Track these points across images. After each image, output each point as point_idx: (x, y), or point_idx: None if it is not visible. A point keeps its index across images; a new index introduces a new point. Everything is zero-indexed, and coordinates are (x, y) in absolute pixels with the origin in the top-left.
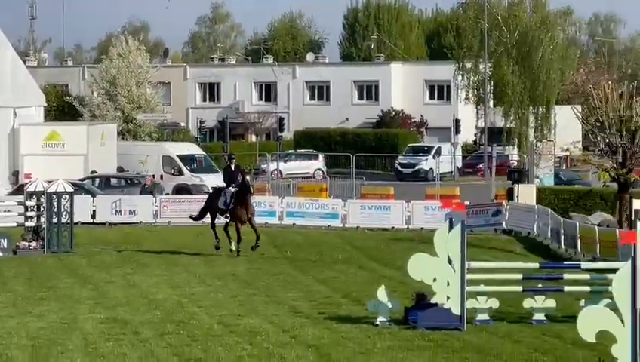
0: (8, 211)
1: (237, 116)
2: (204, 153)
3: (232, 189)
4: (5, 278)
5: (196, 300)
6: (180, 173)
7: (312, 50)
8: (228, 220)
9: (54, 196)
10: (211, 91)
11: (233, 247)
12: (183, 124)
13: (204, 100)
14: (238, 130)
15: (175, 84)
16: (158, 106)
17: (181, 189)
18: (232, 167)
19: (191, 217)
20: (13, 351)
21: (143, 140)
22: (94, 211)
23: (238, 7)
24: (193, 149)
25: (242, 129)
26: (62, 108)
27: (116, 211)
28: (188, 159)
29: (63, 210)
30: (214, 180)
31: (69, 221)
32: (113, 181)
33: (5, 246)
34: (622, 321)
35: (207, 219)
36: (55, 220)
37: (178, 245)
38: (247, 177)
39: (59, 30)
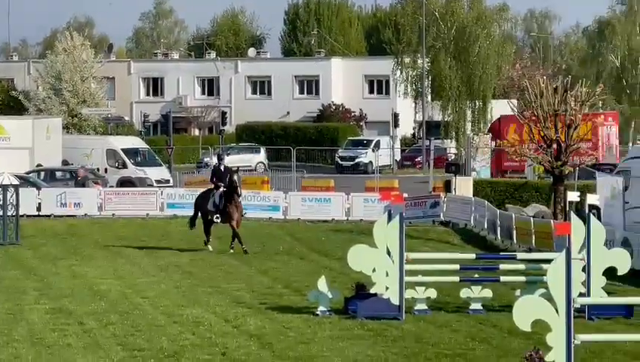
0: None
1: (180, 110)
2: (147, 147)
3: (220, 190)
4: None
5: (140, 291)
6: (124, 166)
7: (254, 45)
8: (218, 221)
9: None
10: (155, 86)
11: (210, 248)
12: (127, 118)
13: (148, 95)
14: (181, 124)
15: (119, 79)
16: (102, 101)
17: (125, 182)
18: (222, 168)
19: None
20: None
21: (88, 134)
22: (40, 204)
23: (181, 3)
24: (137, 143)
25: (185, 123)
26: (7, 102)
27: (61, 204)
28: (132, 152)
29: (8, 202)
30: (158, 173)
31: (14, 213)
32: (58, 174)
33: None
34: (556, 311)
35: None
36: (0, 213)
37: (122, 237)
38: (235, 177)
39: (4, 25)
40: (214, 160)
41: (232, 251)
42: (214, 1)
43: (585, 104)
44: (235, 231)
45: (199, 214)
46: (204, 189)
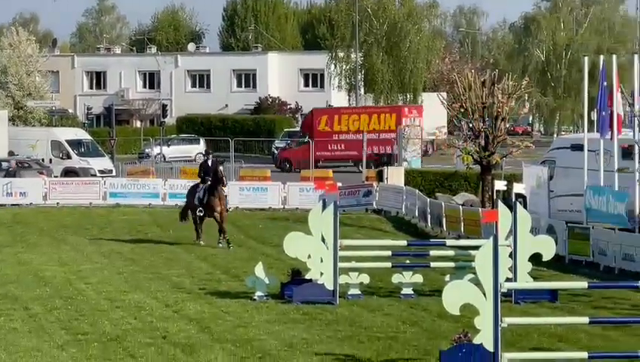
0: None
1: (122, 103)
2: (91, 138)
3: (206, 184)
4: None
5: (84, 277)
6: (69, 156)
7: (194, 40)
8: (201, 214)
9: None
10: (98, 79)
11: (202, 243)
12: (70, 111)
13: (91, 88)
14: (123, 116)
15: (63, 73)
16: (47, 94)
17: (69, 172)
18: (209, 162)
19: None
20: None
21: (33, 126)
22: None
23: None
24: (80, 134)
25: (127, 115)
26: None
27: (7, 193)
28: (75, 143)
29: None
30: (101, 163)
31: None
32: (4, 164)
33: None
34: (484, 295)
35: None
36: None
37: (66, 225)
38: (221, 167)
39: None
40: (156, 150)
41: (220, 246)
42: None
43: (512, 97)
44: (218, 221)
45: (189, 211)
46: (194, 183)
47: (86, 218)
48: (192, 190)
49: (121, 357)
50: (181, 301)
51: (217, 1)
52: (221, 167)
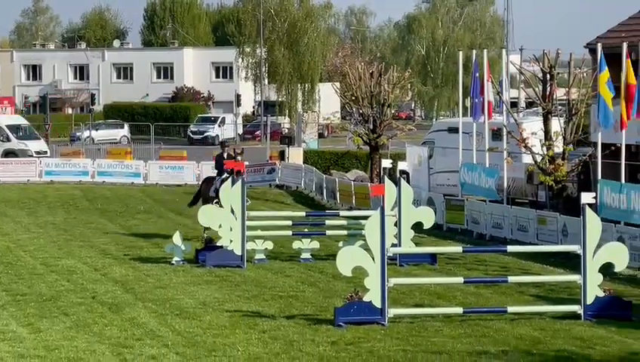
0: None
1: (56, 92)
2: (28, 123)
3: (223, 176)
4: None
5: (22, 245)
6: (8, 139)
7: (118, 37)
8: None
9: None
10: (34, 72)
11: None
12: None
13: (28, 79)
14: (57, 104)
15: (3, 66)
16: None
17: (9, 153)
18: (225, 155)
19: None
20: None
21: None
22: None
23: (55, 0)
24: (19, 120)
25: (60, 103)
26: None
27: None
28: (15, 128)
29: None
30: (37, 145)
31: None
32: None
33: None
34: (372, 258)
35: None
36: None
37: (6, 200)
38: (239, 158)
39: None
40: (85, 134)
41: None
42: None
43: (396, 86)
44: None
45: (200, 199)
46: (211, 176)
47: (24, 193)
48: (208, 180)
49: (55, 315)
50: (108, 265)
51: (139, 3)
52: (240, 158)
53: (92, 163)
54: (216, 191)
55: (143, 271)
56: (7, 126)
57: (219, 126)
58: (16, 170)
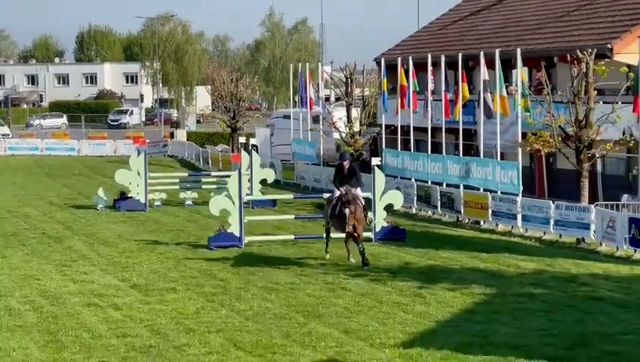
0: None
1: (15, 94)
2: None
3: (338, 193)
4: None
5: None
6: None
7: (58, 55)
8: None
9: None
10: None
11: (328, 256)
12: None
13: None
14: (16, 102)
15: None
16: None
17: None
18: (345, 164)
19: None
20: None
21: None
22: None
23: (13, 28)
24: None
25: (18, 101)
26: None
27: None
28: None
29: None
30: (2, 130)
31: None
32: None
33: None
34: (233, 203)
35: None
36: None
37: None
38: (357, 169)
39: None
40: (36, 122)
41: (351, 260)
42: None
43: (248, 87)
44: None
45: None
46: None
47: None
48: (330, 200)
49: (16, 246)
50: (53, 211)
51: (72, 31)
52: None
53: (41, 142)
54: (333, 210)
55: (77, 215)
56: None
57: (129, 116)
58: None
